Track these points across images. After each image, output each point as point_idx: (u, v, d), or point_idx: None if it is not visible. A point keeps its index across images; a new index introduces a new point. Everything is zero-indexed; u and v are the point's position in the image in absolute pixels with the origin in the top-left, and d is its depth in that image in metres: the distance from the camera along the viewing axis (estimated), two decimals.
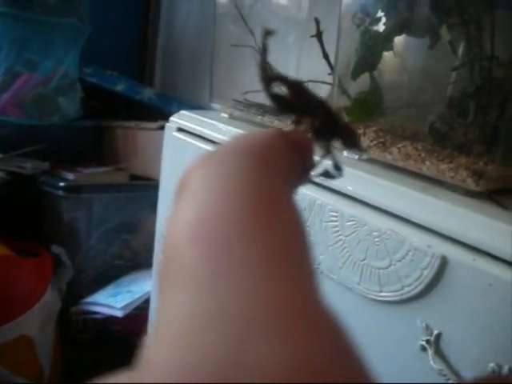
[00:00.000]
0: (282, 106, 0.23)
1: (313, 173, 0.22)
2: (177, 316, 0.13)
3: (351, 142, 0.26)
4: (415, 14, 0.61)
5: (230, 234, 0.14)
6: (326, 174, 0.24)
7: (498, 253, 0.44)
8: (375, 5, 0.62)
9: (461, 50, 0.60)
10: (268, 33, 0.22)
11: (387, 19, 0.62)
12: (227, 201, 0.15)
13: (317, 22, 0.68)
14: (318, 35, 0.69)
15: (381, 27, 0.63)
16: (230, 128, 0.78)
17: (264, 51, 0.23)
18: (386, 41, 0.64)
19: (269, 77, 0.22)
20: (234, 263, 0.14)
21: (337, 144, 0.24)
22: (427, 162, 0.56)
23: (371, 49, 0.65)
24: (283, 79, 0.22)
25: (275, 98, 0.22)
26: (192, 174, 0.17)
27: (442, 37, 0.59)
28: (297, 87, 0.23)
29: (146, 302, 1.18)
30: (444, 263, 0.47)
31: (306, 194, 0.61)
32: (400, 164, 0.59)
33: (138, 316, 1.19)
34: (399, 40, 0.64)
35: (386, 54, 0.65)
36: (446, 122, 0.61)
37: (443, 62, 0.64)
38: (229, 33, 0.88)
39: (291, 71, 0.79)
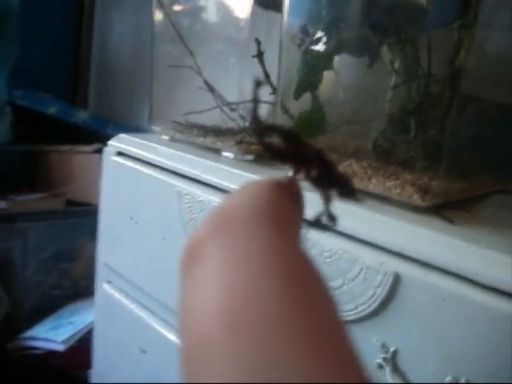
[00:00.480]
0: (276, 155, 0.23)
1: (307, 223, 0.22)
2: None
3: (347, 192, 0.26)
4: (355, 34, 0.62)
5: (273, 320, 0.13)
6: (320, 224, 0.24)
7: (449, 267, 0.44)
8: (315, 25, 0.63)
9: (399, 68, 0.61)
10: (259, 83, 0.22)
11: (327, 39, 0.63)
12: (259, 279, 0.14)
13: (258, 42, 0.68)
14: (259, 55, 0.69)
15: (321, 47, 0.64)
16: (171, 151, 0.77)
17: (255, 102, 0.22)
18: (326, 60, 0.65)
19: (261, 127, 0.22)
20: (278, 353, 0.13)
21: (332, 193, 0.24)
22: (373, 180, 0.56)
23: (312, 68, 0.65)
24: (276, 129, 0.22)
25: (269, 148, 0.22)
26: (205, 245, 0.17)
27: (381, 55, 0.61)
28: (290, 136, 0.23)
29: (89, 332, 1.13)
30: (397, 280, 0.47)
31: None
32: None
33: (81, 347, 1.14)
34: (339, 59, 0.65)
35: (327, 73, 0.66)
36: (388, 139, 0.62)
37: (383, 79, 0.66)
38: (167, 53, 0.87)
39: (232, 92, 0.78)
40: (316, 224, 0.24)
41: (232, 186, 0.65)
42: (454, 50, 0.54)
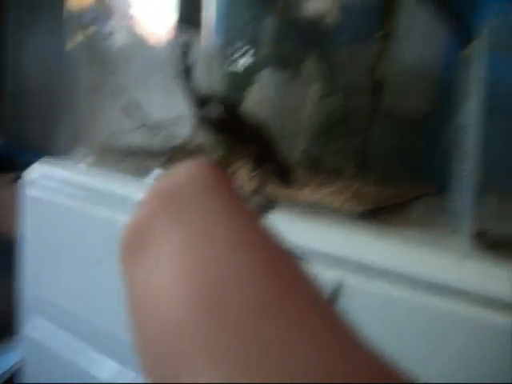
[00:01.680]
0: (215, 126, 0.21)
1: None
2: None
3: (284, 176, 0.24)
4: (277, 49, 0.63)
5: (254, 295, 0.12)
6: (259, 207, 0.23)
7: (389, 270, 0.45)
8: (237, 42, 0.63)
9: (322, 80, 0.62)
10: (188, 46, 0.21)
11: (250, 55, 0.63)
12: (228, 252, 0.13)
13: (184, 58, 0.67)
14: (184, 73, 0.68)
15: (244, 63, 0.64)
16: (93, 175, 0.74)
17: (187, 66, 0.20)
18: (249, 76, 0.65)
19: (201, 97, 0.20)
20: (266, 332, 0.12)
21: (269, 174, 0.23)
22: (307, 189, 0.57)
23: (237, 84, 0.65)
24: (218, 100, 0.20)
25: (208, 118, 0.20)
26: (153, 227, 0.15)
27: (305, 69, 0.62)
28: (231, 108, 0.21)
29: (14, 375, 1.05)
30: (338, 287, 0.47)
31: None
32: (281, 193, 0.59)
33: None
34: (263, 75, 0.65)
35: (252, 89, 0.66)
36: (316, 150, 0.63)
37: (306, 93, 0.67)
38: (88, 76, 0.84)
39: (157, 112, 0.77)
40: (255, 206, 0.22)
41: None
42: (373, 61, 0.56)
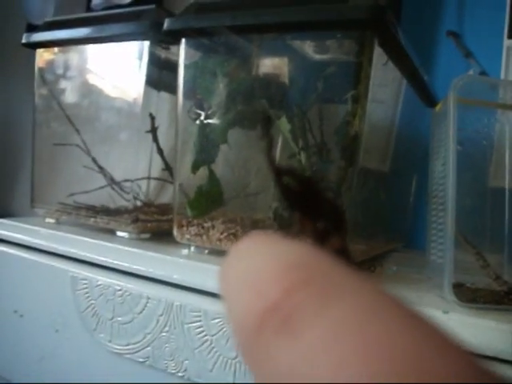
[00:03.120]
0: (292, 200, 0.20)
1: None
2: None
3: (345, 255, 0.24)
4: (248, 108, 0.64)
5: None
6: None
7: None
8: (210, 99, 0.64)
9: (293, 138, 0.63)
10: (269, 120, 0.20)
11: (222, 113, 0.64)
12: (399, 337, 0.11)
13: (151, 117, 0.67)
14: (153, 131, 0.68)
15: (217, 121, 0.65)
16: (59, 234, 0.71)
17: (269, 140, 0.20)
18: (221, 134, 0.65)
19: (279, 169, 0.20)
20: None
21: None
22: None
23: (208, 142, 0.66)
24: (294, 173, 0.20)
25: (287, 190, 0.20)
26: (297, 302, 0.13)
27: (275, 127, 0.63)
28: (308, 183, 0.20)
29: None
30: None
31: (160, 297, 0.57)
32: None
33: None
34: (234, 132, 0.66)
35: (223, 146, 0.66)
36: (287, 208, 0.63)
37: (277, 150, 0.67)
38: (51, 131, 0.82)
39: (124, 170, 0.76)
40: None
41: (132, 266, 0.61)
42: (348, 119, 0.57)
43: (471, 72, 0.85)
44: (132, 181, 0.73)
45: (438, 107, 0.55)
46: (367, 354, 0.11)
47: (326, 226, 0.21)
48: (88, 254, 0.65)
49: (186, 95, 0.65)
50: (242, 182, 0.70)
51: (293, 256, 0.14)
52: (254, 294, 0.14)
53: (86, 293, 0.62)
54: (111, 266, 0.63)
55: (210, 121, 0.64)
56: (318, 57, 0.65)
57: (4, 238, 0.74)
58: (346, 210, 0.56)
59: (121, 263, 0.62)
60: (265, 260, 0.15)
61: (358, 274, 0.14)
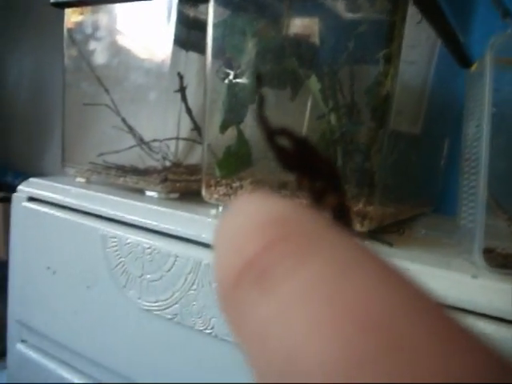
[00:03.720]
0: (285, 160, 0.20)
1: None
2: None
3: (344, 215, 0.23)
4: (278, 67, 0.63)
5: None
6: None
7: None
8: (239, 58, 0.63)
9: (324, 98, 0.62)
10: (260, 78, 0.20)
11: (251, 72, 0.63)
12: (379, 294, 0.11)
13: (180, 76, 0.67)
14: (182, 90, 0.68)
15: (246, 80, 0.64)
16: (90, 193, 0.72)
17: (260, 99, 0.20)
18: (250, 94, 0.65)
19: (272, 129, 0.19)
20: None
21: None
22: None
23: (237, 102, 0.65)
24: (288, 133, 0.20)
25: (280, 151, 0.19)
26: (272, 257, 0.13)
27: (304, 87, 0.62)
28: (303, 143, 0.20)
29: None
30: None
31: (188, 256, 0.58)
32: None
33: None
34: (264, 92, 0.65)
35: (252, 106, 0.65)
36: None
37: (302, 110, 0.67)
38: (80, 91, 0.83)
39: (153, 129, 0.76)
40: None
41: (161, 225, 0.62)
42: (379, 79, 0.56)
43: (509, 31, 0.81)
44: (160, 141, 0.73)
45: (473, 68, 0.53)
46: (340, 313, 0.11)
47: (322, 186, 0.20)
48: (118, 213, 0.66)
49: (214, 54, 0.64)
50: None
51: (274, 212, 0.14)
52: (233, 250, 0.14)
53: (116, 251, 0.63)
54: (140, 224, 0.63)
55: (238, 80, 0.64)
56: (349, 15, 0.63)
57: (36, 196, 0.76)
58: (376, 172, 0.55)
59: (150, 222, 0.63)
60: (248, 217, 0.15)
61: (341, 230, 0.14)
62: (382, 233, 0.56)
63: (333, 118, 0.62)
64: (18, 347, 0.78)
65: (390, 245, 0.52)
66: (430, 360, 0.10)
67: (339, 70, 0.60)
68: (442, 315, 0.12)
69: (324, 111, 0.62)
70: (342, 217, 0.24)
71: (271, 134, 0.20)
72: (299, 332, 0.11)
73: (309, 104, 0.65)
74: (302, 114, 0.66)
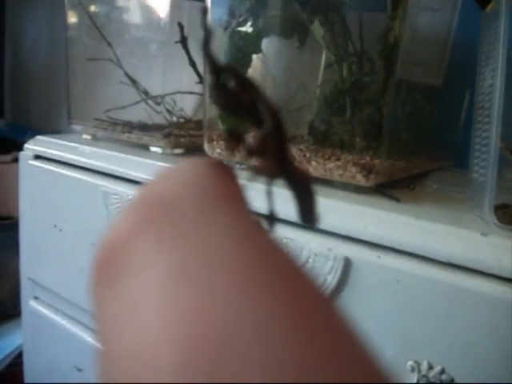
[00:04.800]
0: (227, 100, 0.19)
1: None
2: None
3: (284, 163, 0.22)
4: (283, 12, 0.59)
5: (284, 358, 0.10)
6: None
7: (402, 246, 0.42)
8: (242, 5, 0.59)
9: (331, 47, 0.59)
10: (205, 10, 0.18)
11: (254, 20, 0.60)
12: (230, 297, 0.10)
13: (180, 26, 0.63)
14: (183, 41, 0.64)
15: (249, 28, 0.60)
16: (94, 149, 0.71)
17: (207, 33, 0.18)
18: (254, 42, 0.61)
19: (218, 65, 0.18)
20: None
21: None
22: (313, 163, 0.53)
23: (240, 51, 0.62)
24: (234, 71, 0.18)
25: (222, 90, 0.18)
26: (133, 243, 0.12)
27: (311, 34, 0.58)
28: (247, 84, 0.19)
29: (19, 356, 1.04)
30: (348, 265, 0.44)
31: None
32: None
33: (12, 373, 1.05)
34: (268, 42, 0.62)
35: (256, 57, 0.62)
36: (324, 121, 0.60)
37: (314, 61, 0.63)
38: (84, 47, 0.80)
39: (156, 83, 0.73)
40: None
41: None
42: (386, 28, 0.52)
43: None
44: (163, 96, 0.71)
45: (489, 7, 0.48)
46: (180, 314, 0.10)
47: (263, 130, 0.19)
48: (120, 169, 0.64)
49: (216, 2, 0.61)
50: (277, 95, 0.67)
51: (161, 191, 0.14)
52: (110, 228, 0.13)
53: (118, 207, 0.62)
54: (143, 180, 0.62)
55: (241, 29, 0.60)
56: None
57: (42, 154, 0.75)
58: (384, 124, 0.52)
59: (151, 178, 0.61)
60: (140, 193, 0.15)
61: (235, 202, 0.14)
62: (390, 187, 0.53)
63: (341, 67, 0.58)
64: (30, 304, 0.79)
65: (397, 200, 0.49)
66: (282, 348, 0.10)
67: (346, 16, 0.55)
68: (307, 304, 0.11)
69: (331, 60, 0.58)
70: (283, 162, 0.21)
71: (217, 70, 0.19)
72: (148, 321, 0.10)
73: (323, 54, 0.62)
74: (317, 66, 0.63)
